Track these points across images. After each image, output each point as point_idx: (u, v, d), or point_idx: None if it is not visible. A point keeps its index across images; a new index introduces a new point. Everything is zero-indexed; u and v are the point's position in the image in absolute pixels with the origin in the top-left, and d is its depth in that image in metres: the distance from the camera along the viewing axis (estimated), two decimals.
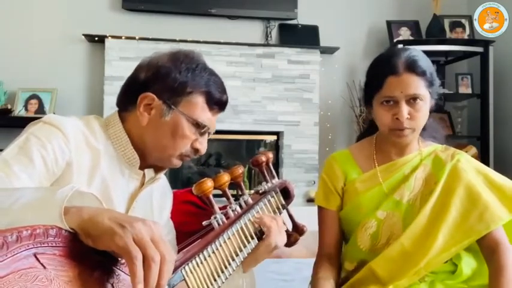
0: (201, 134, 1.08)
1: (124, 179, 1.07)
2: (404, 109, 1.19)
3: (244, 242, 0.97)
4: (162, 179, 1.19)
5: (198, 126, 1.06)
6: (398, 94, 1.19)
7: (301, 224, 1.17)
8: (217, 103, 1.09)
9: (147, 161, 1.09)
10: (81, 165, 0.98)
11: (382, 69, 1.23)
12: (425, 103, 1.22)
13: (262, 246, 1.00)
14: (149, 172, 1.11)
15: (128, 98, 1.08)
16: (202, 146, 1.09)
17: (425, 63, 1.23)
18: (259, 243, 1.00)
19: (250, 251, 0.98)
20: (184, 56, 1.08)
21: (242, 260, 0.95)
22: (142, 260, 0.62)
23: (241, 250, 0.95)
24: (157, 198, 1.17)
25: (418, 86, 1.20)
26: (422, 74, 1.21)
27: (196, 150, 1.09)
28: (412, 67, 1.20)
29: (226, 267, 0.89)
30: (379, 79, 1.22)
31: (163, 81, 1.04)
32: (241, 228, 0.97)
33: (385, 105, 1.22)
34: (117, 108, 1.13)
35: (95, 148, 1.02)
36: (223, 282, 0.88)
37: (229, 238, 0.93)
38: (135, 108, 1.06)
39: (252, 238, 0.99)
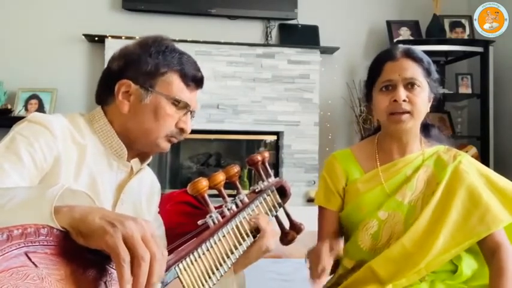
0: (184, 114, 1.10)
1: (112, 172, 1.08)
2: (402, 91, 1.23)
3: (240, 240, 0.97)
4: (148, 172, 1.21)
5: (178, 103, 1.08)
6: (396, 77, 1.23)
7: (299, 222, 1.17)
8: (193, 79, 1.11)
9: (134, 150, 1.11)
10: (68, 160, 0.99)
11: (381, 58, 1.30)
12: (424, 91, 1.25)
13: (255, 247, 1.02)
14: (136, 163, 1.13)
15: (105, 90, 1.10)
16: (187, 125, 1.11)
17: (422, 54, 1.28)
18: (252, 244, 1.01)
19: (245, 248, 0.98)
20: (152, 41, 1.11)
21: (237, 257, 0.95)
22: (133, 259, 0.61)
23: (236, 248, 0.95)
24: (146, 191, 1.19)
25: (415, 71, 1.24)
26: (419, 60, 1.26)
27: (181, 130, 1.11)
28: (409, 53, 1.26)
29: (221, 265, 0.90)
30: (378, 67, 1.28)
31: (136, 67, 1.07)
32: (237, 226, 0.97)
33: (384, 91, 1.26)
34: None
35: (81, 144, 1.03)
36: (218, 280, 0.88)
37: (224, 236, 0.93)
38: (114, 99, 1.08)
39: (248, 236, 1.00)
